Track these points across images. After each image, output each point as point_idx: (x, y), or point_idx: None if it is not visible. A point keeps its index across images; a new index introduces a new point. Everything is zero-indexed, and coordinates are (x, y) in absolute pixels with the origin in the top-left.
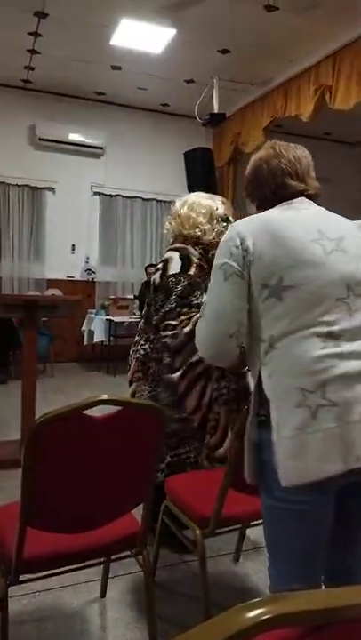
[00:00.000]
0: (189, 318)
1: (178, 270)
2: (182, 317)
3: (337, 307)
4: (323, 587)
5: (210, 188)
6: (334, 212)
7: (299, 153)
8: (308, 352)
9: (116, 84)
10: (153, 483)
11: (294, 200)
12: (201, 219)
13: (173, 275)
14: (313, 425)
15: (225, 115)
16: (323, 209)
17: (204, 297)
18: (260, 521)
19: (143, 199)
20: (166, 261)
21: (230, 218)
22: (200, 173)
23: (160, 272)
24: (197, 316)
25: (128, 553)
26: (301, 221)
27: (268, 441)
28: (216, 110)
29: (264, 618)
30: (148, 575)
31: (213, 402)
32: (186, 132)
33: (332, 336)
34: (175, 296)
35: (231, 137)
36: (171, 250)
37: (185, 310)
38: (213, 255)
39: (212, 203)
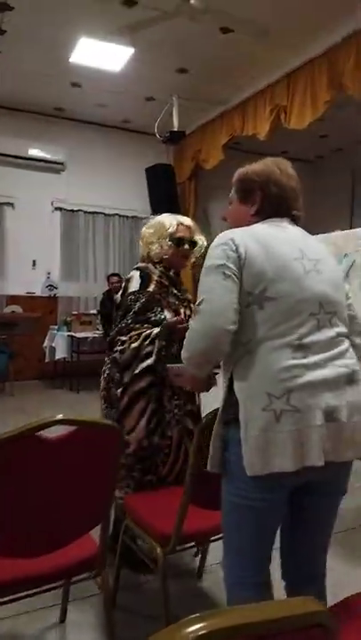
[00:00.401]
0: (139, 334)
1: (137, 288)
2: (132, 333)
3: (309, 321)
4: (285, 592)
5: (172, 204)
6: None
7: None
8: (279, 361)
9: (76, 101)
10: (113, 503)
11: (282, 219)
12: (150, 236)
13: (132, 292)
14: (276, 427)
15: (185, 132)
16: (303, 230)
17: (166, 313)
18: (221, 535)
19: (105, 214)
20: (128, 280)
21: (195, 240)
22: (162, 189)
23: (121, 291)
24: (147, 332)
25: (87, 575)
26: (287, 239)
27: (235, 438)
28: (176, 128)
29: (201, 634)
30: (107, 597)
31: (166, 426)
32: (147, 148)
33: (301, 347)
34: (132, 313)
35: (192, 154)
36: (133, 269)
37: (137, 326)
38: (175, 273)
39: (167, 221)
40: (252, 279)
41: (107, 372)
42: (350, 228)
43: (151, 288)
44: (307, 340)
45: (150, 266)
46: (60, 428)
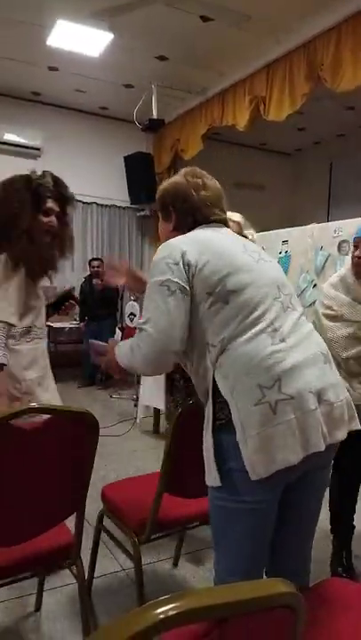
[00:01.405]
0: None
1: None
2: None
3: (274, 305)
4: None
5: (151, 193)
6: (269, 217)
7: (217, 185)
8: (260, 349)
9: (53, 85)
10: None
11: (211, 225)
12: None
13: None
14: (274, 420)
15: (164, 121)
16: (233, 232)
17: None
18: (197, 523)
19: (83, 202)
20: None
21: (246, 235)
22: (141, 178)
23: None
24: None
25: (62, 564)
26: (225, 238)
27: (231, 443)
28: (155, 116)
29: (171, 614)
30: (82, 586)
31: None
32: (126, 136)
33: (276, 332)
34: None
35: (171, 143)
36: None
37: None
38: None
39: None
40: (207, 281)
41: None
42: (328, 219)
43: None
44: (277, 323)
45: None
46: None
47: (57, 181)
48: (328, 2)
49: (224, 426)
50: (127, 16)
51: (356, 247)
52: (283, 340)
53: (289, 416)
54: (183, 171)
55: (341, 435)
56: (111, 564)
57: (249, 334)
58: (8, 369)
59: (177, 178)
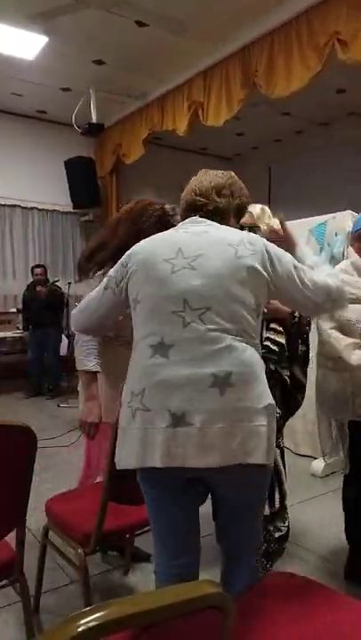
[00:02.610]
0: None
1: None
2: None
3: (171, 319)
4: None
5: (93, 197)
6: None
7: (213, 175)
8: (141, 360)
9: None
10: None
11: (193, 218)
12: None
13: None
14: (132, 424)
15: (104, 125)
16: (212, 227)
17: None
18: (147, 528)
19: (23, 208)
20: None
21: (259, 225)
22: (82, 182)
23: None
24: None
25: (5, 582)
26: (170, 240)
27: None
28: (95, 120)
29: (92, 625)
30: (26, 603)
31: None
32: (66, 140)
33: (162, 347)
34: None
35: (112, 147)
36: None
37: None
38: None
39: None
40: (134, 287)
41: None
42: None
43: None
44: (168, 338)
45: None
46: None
47: None
48: (261, 10)
49: None
50: (62, 19)
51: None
52: (164, 355)
53: (138, 425)
54: None
55: (210, 461)
56: (60, 578)
57: (140, 343)
58: None
59: None
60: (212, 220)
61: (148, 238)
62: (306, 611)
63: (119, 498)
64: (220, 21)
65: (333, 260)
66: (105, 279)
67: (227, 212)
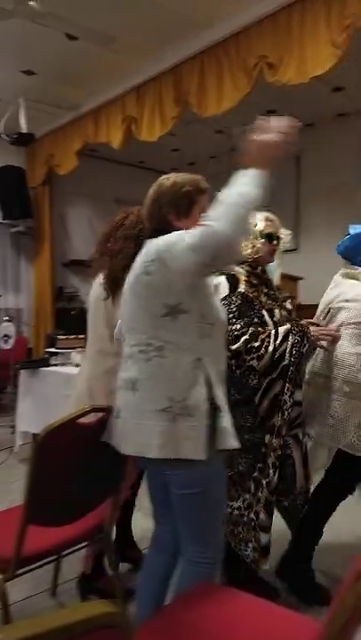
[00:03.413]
0: (268, 335)
1: (226, 292)
2: (262, 336)
3: (127, 334)
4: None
5: (25, 208)
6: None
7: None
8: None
9: None
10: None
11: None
12: None
13: (223, 298)
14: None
15: (34, 135)
16: (149, 244)
17: (264, 312)
18: (77, 547)
19: None
20: (215, 288)
21: (280, 235)
22: (12, 192)
23: None
24: (273, 331)
25: None
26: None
27: None
28: (24, 130)
29: None
30: None
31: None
32: None
33: (123, 356)
34: (234, 317)
35: (44, 158)
36: (217, 275)
37: (259, 329)
38: (263, 270)
39: (251, 219)
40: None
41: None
42: None
43: (242, 288)
44: (125, 350)
45: (235, 267)
46: None
47: None
48: (190, 30)
49: None
50: None
51: None
52: (122, 364)
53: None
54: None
55: (124, 449)
56: None
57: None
58: None
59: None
60: (159, 235)
61: None
62: (231, 621)
63: (41, 519)
64: (150, 39)
65: None
66: None
67: (164, 220)
